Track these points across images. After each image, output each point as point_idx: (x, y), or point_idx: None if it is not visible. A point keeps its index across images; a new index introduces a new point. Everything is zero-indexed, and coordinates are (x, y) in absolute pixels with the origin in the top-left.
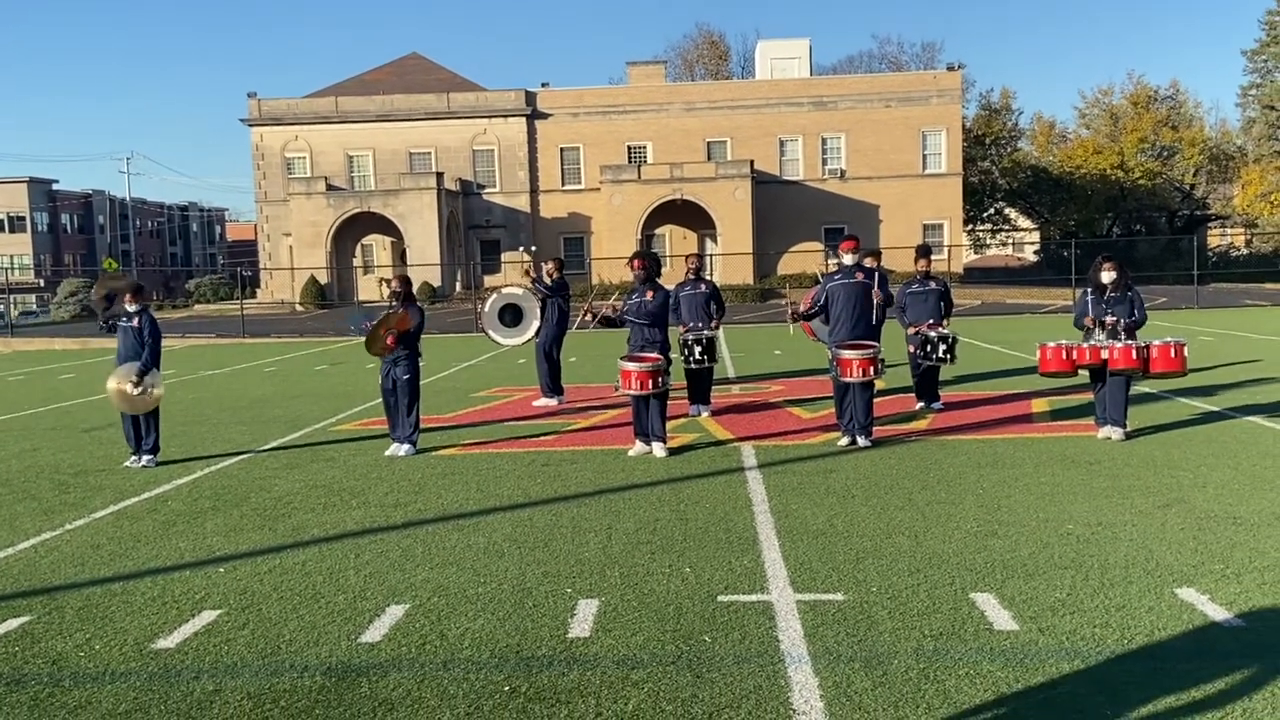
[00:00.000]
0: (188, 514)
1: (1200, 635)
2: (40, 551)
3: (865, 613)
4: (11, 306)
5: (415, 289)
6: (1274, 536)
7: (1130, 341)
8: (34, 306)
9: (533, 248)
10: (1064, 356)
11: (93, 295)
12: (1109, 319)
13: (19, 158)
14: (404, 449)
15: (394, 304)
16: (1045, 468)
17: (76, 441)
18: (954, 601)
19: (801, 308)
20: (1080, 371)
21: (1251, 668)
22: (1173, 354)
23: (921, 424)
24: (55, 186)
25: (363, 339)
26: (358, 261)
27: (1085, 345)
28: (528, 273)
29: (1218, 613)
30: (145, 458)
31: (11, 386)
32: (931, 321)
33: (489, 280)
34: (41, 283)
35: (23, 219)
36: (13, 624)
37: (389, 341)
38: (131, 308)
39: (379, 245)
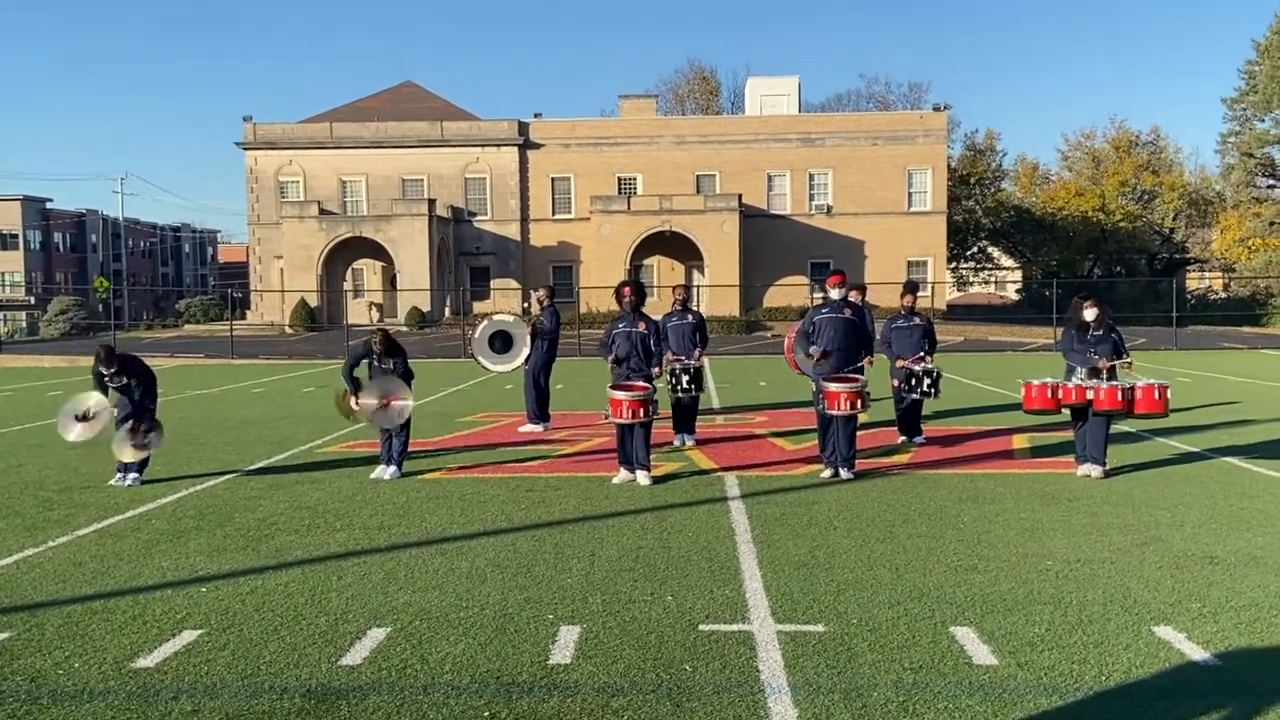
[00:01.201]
0: (171, 533)
1: (1177, 673)
2: (22, 568)
3: (845, 644)
4: (1, 324)
5: (404, 314)
6: (1250, 576)
7: (1115, 383)
8: (23, 323)
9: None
10: (1049, 395)
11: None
12: (1104, 363)
13: (13, 176)
14: (390, 472)
15: (383, 362)
16: (1025, 503)
17: (62, 459)
18: (934, 635)
19: (789, 340)
20: (1063, 410)
21: (1228, 706)
22: (1156, 396)
23: (904, 458)
24: (49, 205)
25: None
26: (348, 285)
27: (1070, 385)
28: (530, 313)
29: (1195, 651)
30: (131, 476)
31: None
32: (917, 357)
33: (478, 306)
34: (33, 300)
35: (16, 237)
36: None
37: (350, 406)
38: (110, 370)
39: (370, 270)
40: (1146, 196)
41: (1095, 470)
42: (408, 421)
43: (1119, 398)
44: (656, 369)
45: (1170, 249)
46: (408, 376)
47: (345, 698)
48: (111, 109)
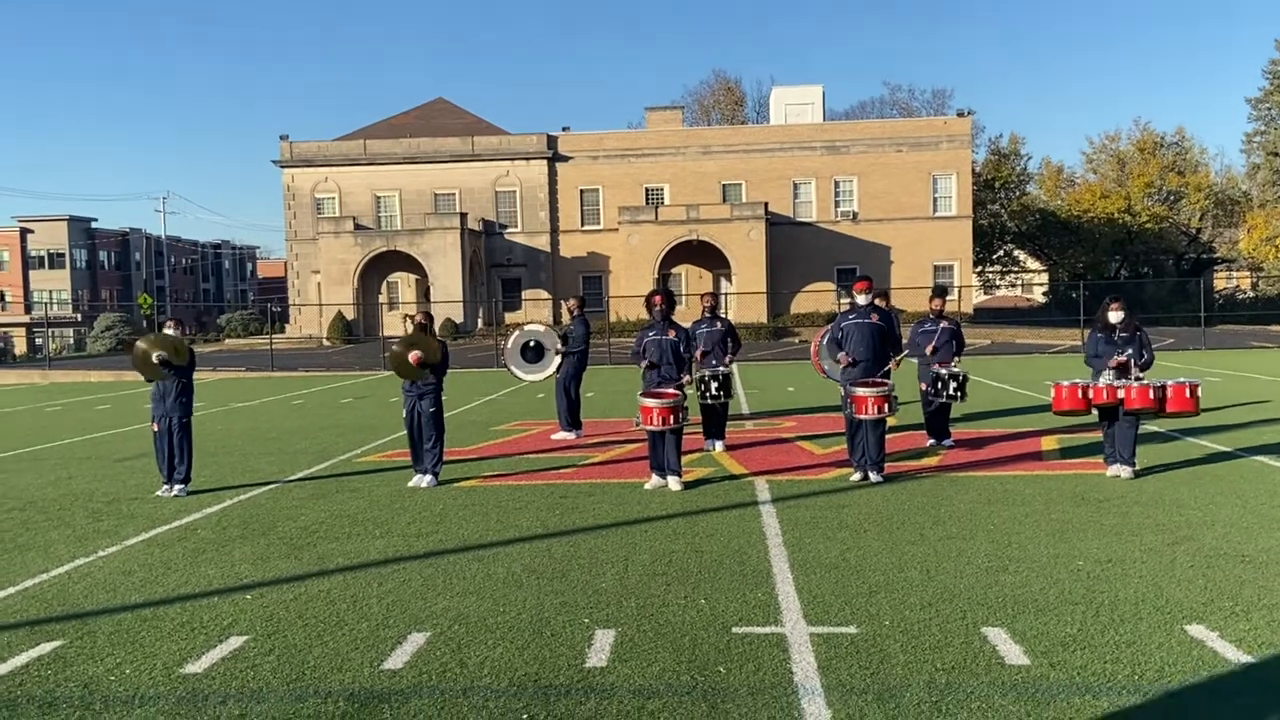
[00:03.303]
0: (217, 542)
1: (1210, 672)
2: (73, 577)
3: (878, 646)
4: (50, 340)
5: (439, 325)
6: None
7: (1145, 381)
8: (71, 339)
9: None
10: (1079, 395)
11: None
12: (1119, 358)
13: (60, 197)
14: (426, 480)
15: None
16: (1055, 505)
17: (110, 471)
18: (966, 636)
19: (815, 346)
20: (1092, 410)
21: (1262, 705)
22: (1188, 394)
23: (933, 460)
24: (94, 225)
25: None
26: (383, 298)
27: (1101, 384)
28: (561, 343)
29: (1227, 649)
30: (177, 487)
31: (49, 417)
32: (944, 361)
33: (510, 317)
34: (79, 317)
35: (62, 256)
36: (46, 648)
37: (413, 359)
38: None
39: (404, 283)
40: (1172, 197)
41: (1125, 471)
42: (439, 431)
43: (1150, 396)
44: (687, 376)
45: (1197, 249)
46: (445, 360)
47: (387, 701)
48: (153, 132)
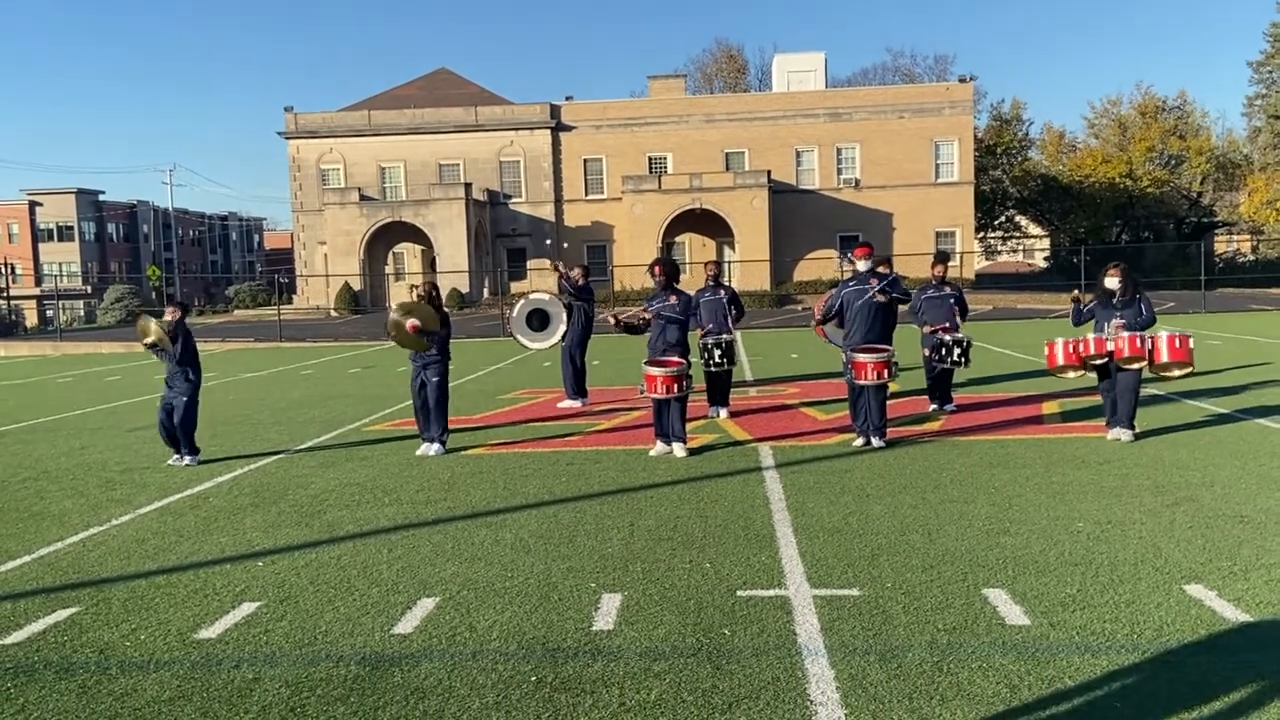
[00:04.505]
0: (228, 510)
1: (1208, 630)
2: (88, 545)
3: (880, 607)
4: (60, 313)
5: (445, 295)
6: None
7: (1135, 333)
8: (81, 311)
9: (554, 253)
10: (1070, 350)
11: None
12: (1117, 323)
13: (68, 170)
14: (434, 449)
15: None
16: (1056, 468)
17: (123, 441)
18: (967, 597)
19: (817, 314)
20: (1088, 369)
21: (1259, 662)
22: (1178, 344)
23: (935, 425)
24: (102, 197)
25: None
26: (389, 269)
27: (1090, 338)
28: (557, 269)
29: (1225, 609)
30: (188, 458)
31: (61, 388)
32: (946, 325)
33: (515, 287)
34: (89, 289)
35: (71, 229)
36: (61, 615)
37: (409, 328)
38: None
39: (410, 253)
40: (1174, 161)
41: (1125, 434)
42: (445, 400)
43: (1139, 344)
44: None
45: (1198, 213)
46: (447, 330)
47: (398, 665)
48: (159, 105)
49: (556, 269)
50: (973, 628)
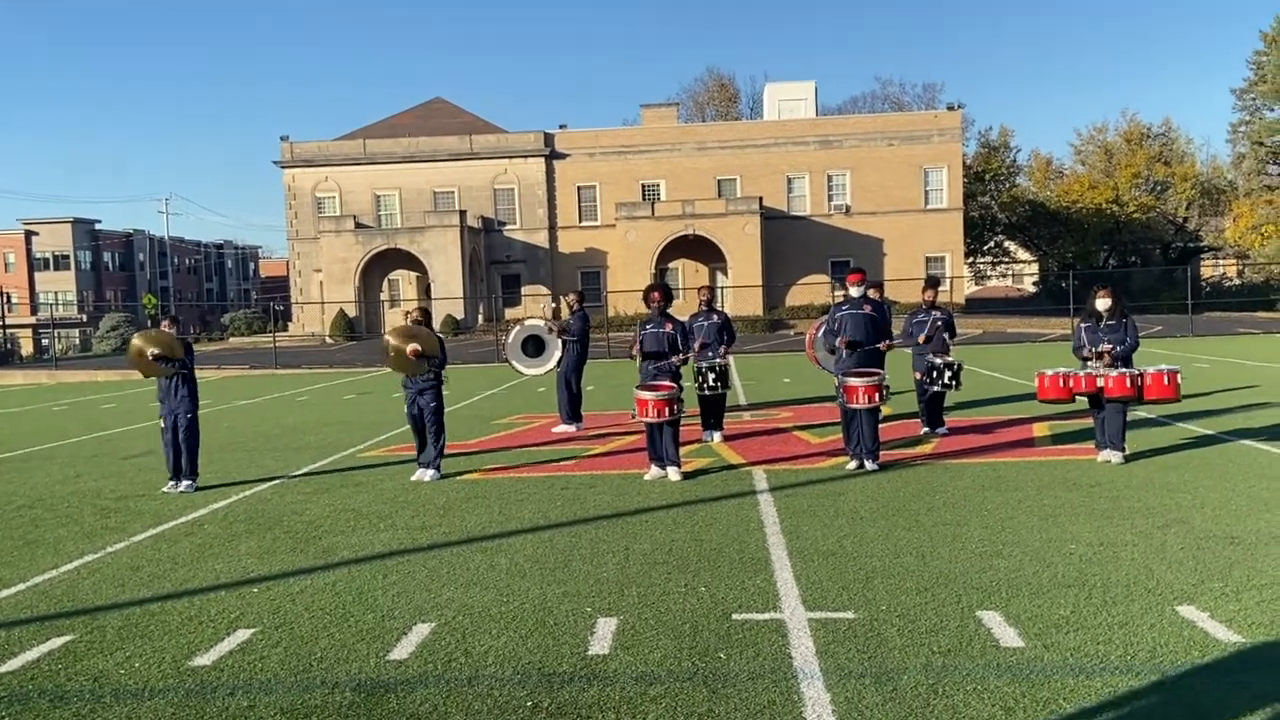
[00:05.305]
0: (223, 537)
1: (1201, 652)
2: (82, 573)
3: (875, 630)
4: (56, 341)
5: (439, 322)
6: (1271, 556)
7: (1124, 370)
8: (76, 340)
9: (552, 304)
10: (1061, 384)
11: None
12: (1104, 348)
13: (64, 200)
14: (429, 474)
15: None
16: (1047, 490)
17: (117, 468)
18: (961, 619)
19: (809, 340)
20: (1078, 398)
21: (1253, 684)
22: (1165, 381)
23: (927, 448)
24: (98, 226)
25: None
26: (384, 295)
27: (1081, 374)
28: (555, 316)
29: (1218, 630)
30: (184, 484)
31: (56, 416)
32: (938, 349)
33: (510, 313)
34: (85, 318)
35: (67, 258)
36: (56, 643)
37: (410, 352)
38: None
39: (405, 280)
40: (1159, 187)
41: (1115, 456)
42: (440, 425)
43: (1128, 384)
44: (679, 357)
45: (1184, 238)
46: (443, 354)
47: (394, 691)
48: (155, 134)
49: (555, 316)
50: (967, 650)
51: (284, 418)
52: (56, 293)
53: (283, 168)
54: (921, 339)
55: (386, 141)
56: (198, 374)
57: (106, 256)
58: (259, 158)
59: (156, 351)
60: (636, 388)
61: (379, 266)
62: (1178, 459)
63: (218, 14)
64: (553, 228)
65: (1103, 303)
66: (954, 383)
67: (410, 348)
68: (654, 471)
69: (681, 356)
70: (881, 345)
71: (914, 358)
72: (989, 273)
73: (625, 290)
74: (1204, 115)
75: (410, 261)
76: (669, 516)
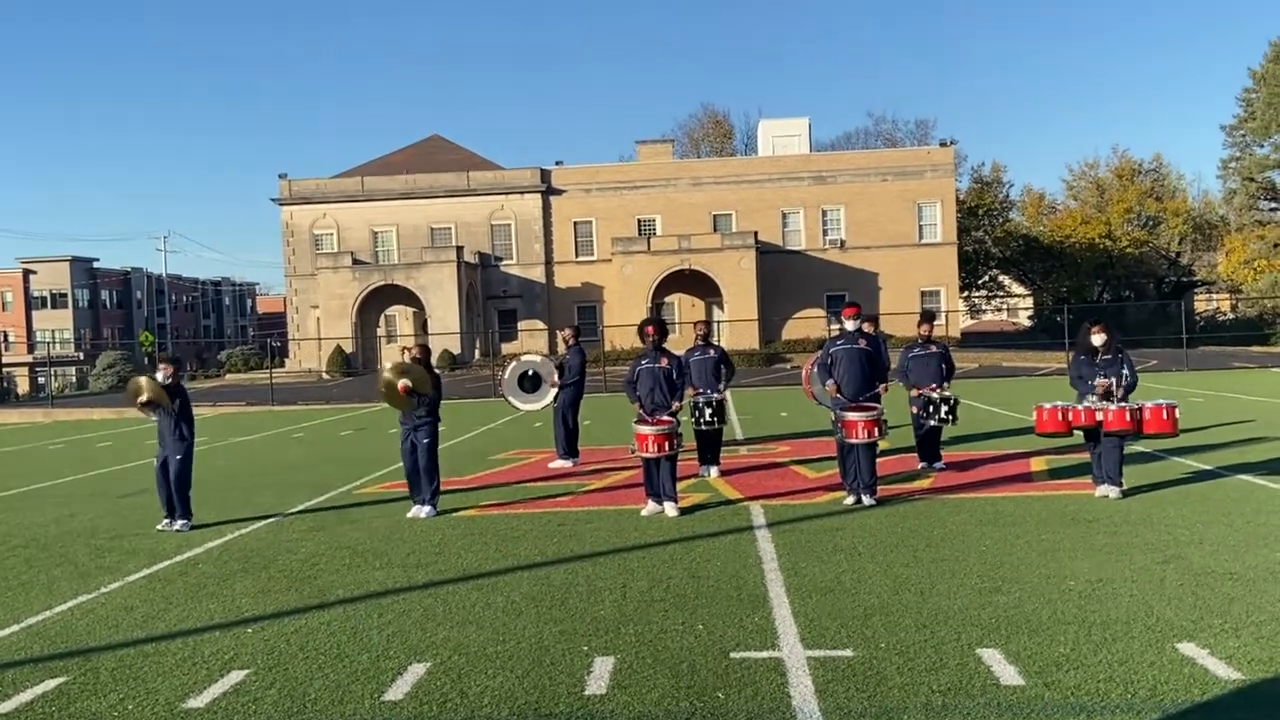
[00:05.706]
0: (218, 576)
1: (1202, 689)
2: (76, 614)
3: (874, 668)
4: (53, 379)
5: (436, 357)
6: (1270, 591)
7: (1123, 404)
8: (73, 378)
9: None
10: (1060, 418)
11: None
12: (1102, 382)
13: (62, 238)
14: (425, 511)
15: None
16: (1046, 525)
17: (112, 507)
18: (961, 657)
19: (805, 375)
20: (1076, 432)
21: None
22: (1164, 416)
23: (924, 483)
24: (95, 264)
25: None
26: (381, 331)
27: (1080, 407)
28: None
29: (1219, 667)
30: (179, 523)
31: (51, 455)
32: (934, 385)
33: (506, 348)
34: (81, 355)
35: (64, 296)
36: (49, 685)
37: (400, 389)
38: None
39: (402, 315)
40: (1151, 222)
41: (1113, 491)
42: (435, 462)
43: (1127, 418)
44: (677, 404)
45: (1177, 272)
46: (438, 392)
47: None
48: (154, 173)
49: (557, 374)
50: (967, 689)
51: (280, 454)
52: (54, 330)
53: (281, 205)
54: (917, 391)
55: (384, 179)
56: (194, 410)
57: (104, 294)
58: (257, 195)
59: (145, 399)
60: (635, 422)
61: (376, 302)
62: (1175, 494)
63: (217, 65)
64: (549, 263)
65: (1097, 338)
66: (950, 417)
67: (401, 384)
68: (651, 507)
69: (677, 405)
70: (880, 389)
71: (909, 393)
72: (984, 307)
73: (621, 325)
74: (1194, 151)
75: (407, 297)
76: (666, 553)
